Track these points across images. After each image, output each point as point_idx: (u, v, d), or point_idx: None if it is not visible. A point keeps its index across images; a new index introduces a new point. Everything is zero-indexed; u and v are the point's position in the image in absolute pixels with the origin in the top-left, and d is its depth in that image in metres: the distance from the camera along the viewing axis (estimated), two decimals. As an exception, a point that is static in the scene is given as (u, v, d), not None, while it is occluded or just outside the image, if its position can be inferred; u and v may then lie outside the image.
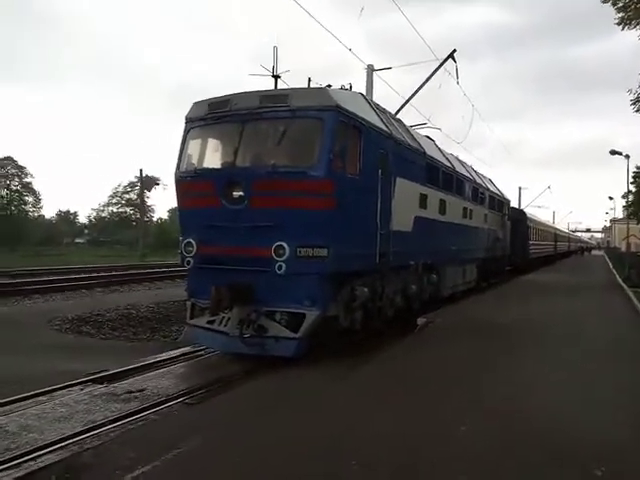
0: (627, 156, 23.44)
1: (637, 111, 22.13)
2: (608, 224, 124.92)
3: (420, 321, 10.47)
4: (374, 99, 12.08)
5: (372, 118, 9.13)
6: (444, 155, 14.15)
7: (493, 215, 19.91)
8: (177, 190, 9.00)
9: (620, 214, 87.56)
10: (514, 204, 31.46)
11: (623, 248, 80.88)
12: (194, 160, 8.87)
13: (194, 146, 8.91)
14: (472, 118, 23.67)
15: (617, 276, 25.53)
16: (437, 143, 14.60)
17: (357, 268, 8.48)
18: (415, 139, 11.68)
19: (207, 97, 8.68)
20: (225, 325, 7.98)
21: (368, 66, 14.49)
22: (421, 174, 11.44)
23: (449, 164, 13.96)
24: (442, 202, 13.01)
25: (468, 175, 16.23)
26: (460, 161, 16.90)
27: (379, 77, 20.88)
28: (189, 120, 8.87)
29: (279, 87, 8.90)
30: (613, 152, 23.26)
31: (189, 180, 8.62)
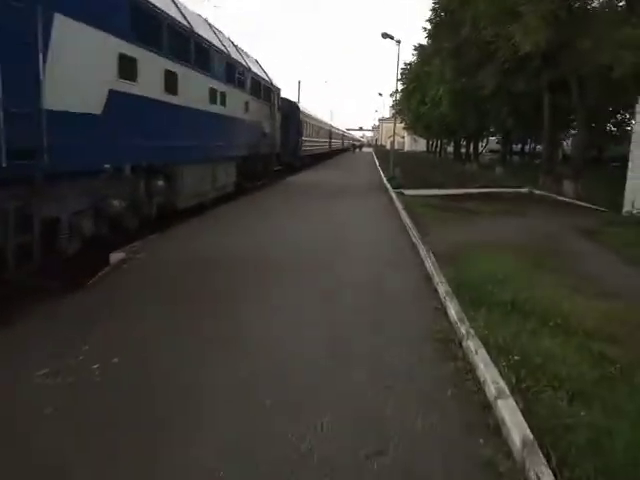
0: (398, 41, 22.09)
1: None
2: (377, 123, 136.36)
3: (116, 257, 6.81)
4: None
5: None
6: (178, 8, 9.88)
7: (258, 104, 16.60)
8: None
9: (388, 113, 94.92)
10: (292, 99, 28.74)
11: (388, 146, 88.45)
12: None
13: None
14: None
15: (382, 175, 25.40)
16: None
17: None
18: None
19: None
20: None
21: None
22: (120, 21, 7.18)
23: (184, 21, 9.80)
24: (170, 75, 9.01)
25: (219, 46, 12.29)
26: (211, 26, 12.79)
27: None
28: None
29: None
30: (385, 35, 21.67)
31: None
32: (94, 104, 6.55)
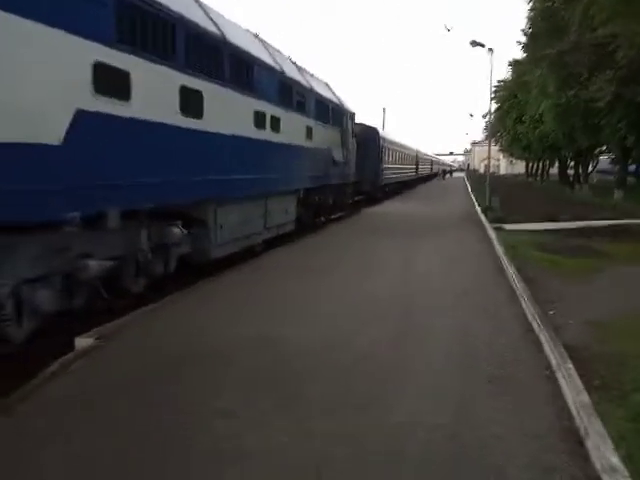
0: (490, 49, 19.11)
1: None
2: (469, 147, 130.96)
3: (82, 344, 4.74)
4: None
5: None
6: (205, 12, 7.98)
7: (325, 130, 14.48)
8: None
9: (481, 135, 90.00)
10: (376, 127, 26.35)
11: (482, 170, 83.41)
12: None
13: None
14: None
15: (476, 204, 22.05)
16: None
17: None
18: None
19: None
20: None
21: None
22: (97, 17, 5.27)
23: (214, 28, 7.87)
24: (191, 93, 7.04)
25: (268, 61, 10.30)
26: (262, 42, 10.90)
27: None
28: None
29: None
30: (474, 43, 18.78)
31: None
32: (46, 130, 4.60)
